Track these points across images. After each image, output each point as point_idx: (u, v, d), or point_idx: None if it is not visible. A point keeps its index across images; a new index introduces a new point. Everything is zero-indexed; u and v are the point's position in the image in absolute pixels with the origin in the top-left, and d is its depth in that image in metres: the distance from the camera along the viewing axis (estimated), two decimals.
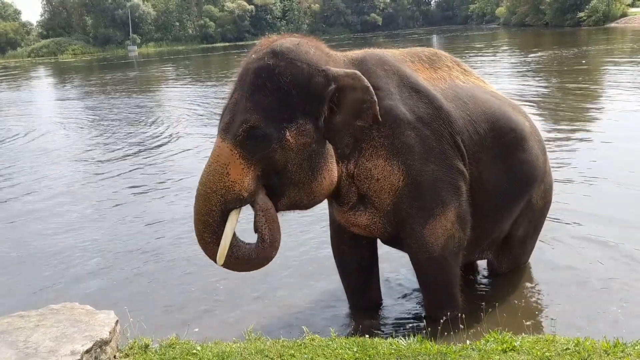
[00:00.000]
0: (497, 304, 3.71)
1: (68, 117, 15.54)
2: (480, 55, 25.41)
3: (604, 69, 17.86)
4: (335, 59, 3.31)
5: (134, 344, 3.16)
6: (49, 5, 70.73)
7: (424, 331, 3.34)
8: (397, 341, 3.14)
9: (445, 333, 3.33)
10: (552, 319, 3.72)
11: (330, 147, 3.19)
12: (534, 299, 4.15)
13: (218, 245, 3.10)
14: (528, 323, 3.58)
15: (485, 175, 3.62)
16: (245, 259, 3.17)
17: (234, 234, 3.16)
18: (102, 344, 2.87)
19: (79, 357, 2.70)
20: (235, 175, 3.05)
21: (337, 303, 4.23)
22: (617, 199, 6.04)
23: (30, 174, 9.14)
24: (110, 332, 2.95)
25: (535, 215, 4.14)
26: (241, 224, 3.19)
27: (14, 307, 3.93)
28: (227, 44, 65.46)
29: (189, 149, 10.24)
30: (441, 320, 3.33)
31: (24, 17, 75.90)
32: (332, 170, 3.22)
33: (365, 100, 3.10)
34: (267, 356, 2.99)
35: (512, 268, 4.32)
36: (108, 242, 5.89)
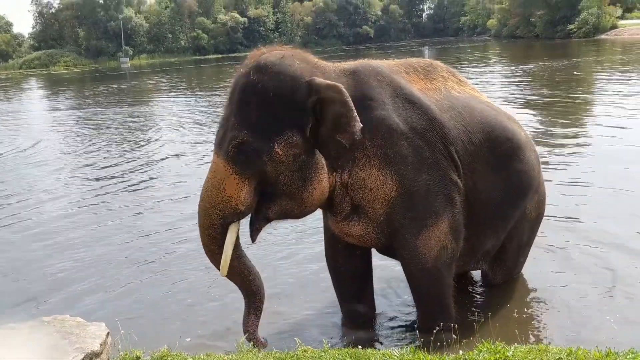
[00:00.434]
0: (489, 314, 3.71)
1: (59, 129, 15.50)
2: (472, 67, 25.56)
3: (595, 80, 18.01)
4: (325, 70, 3.32)
5: (125, 356, 3.14)
6: (41, 17, 70.61)
7: (417, 342, 3.33)
8: (390, 352, 3.13)
9: (438, 344, 3.32)
10: (544, 328, 3.73)
11: (320, 157, 3.22)
12: (526, 309, 4.15)
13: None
14: (520, 333, 3.58)
15: (480, 185, 3.63)
16: None
17: (238, 245, 3.30)
18: (93, 356, 2.85)
19: None
20: (230, 190, 3.14)
21: (330, 314, 4.22)
22: (610, 207, 6.06)
23: (21, 185, 9.10)
24: (101, 344, 2.94)
25: (529, 226, 4.14)
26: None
27: (4, 319, 3.89)
28: (220, 55, 65.56)
29: (182, 160, 10.24)
30: (434, 331, 3.32)
31: (15, 29, 75.49)
32: (323, 181, 3.24)
33: (342, 114, 3.11)
34: None
35: (506, 279, 4.32)
36: (99, 254, 5.85)
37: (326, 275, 4.10)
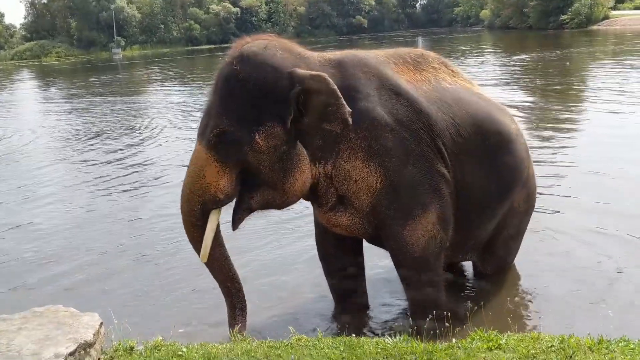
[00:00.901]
0: (482, 302, 3.73)
1: (51, 119, 15.40)
2: (466, 58, 25.55)
3: (587, 70, 18.05)
4: (309, 61, 3.31)
5: (119, 346, 3.13)
6: (33, 8, 70.00)
7: (410, 330, 3.34)
8: (384, 340, 3.14)
9: (432, 332, 3.33)
10: (537, 317, 3.75)
11: (302, 149, 3.23)
12: (519, 298, 4.17)
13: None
14: (513, 321, 3.59)
15: (469, 177, 3.62)
16: None
17: (220, 235, 3.36)
18: (86, 346, 2.84)
19: None
20: (210, 178, 3.19)
21: (323, 303, 4.22)
22: (603, 197, 6.08)
23: (13, 176, 9.05)
24: (94, 335, 2.92)
25: (518, 218, 4.13)
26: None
27: None
28: (212, 46, 65.18)
29: (176, 150, 10.19)
30: (427, 319, 3.34)
31: (7, 20, 74.84)
32: (305, 172, 3.25)
33: (330, 104, 3.11)
34: (253, 357, 2.97)
35: (497, 270, 4.32)
36: (92, 244, 5.84)
37: (320, 266, 4.10)
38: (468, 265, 4.55)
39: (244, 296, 3.58)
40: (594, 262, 4.60)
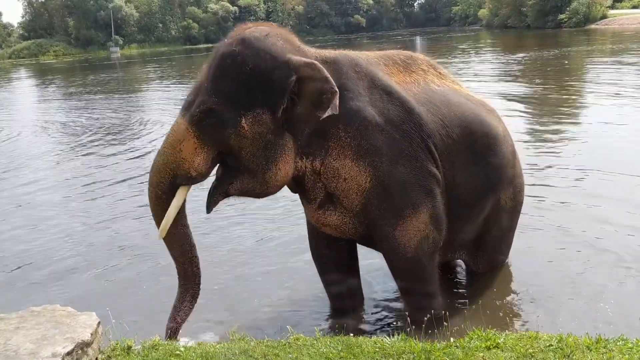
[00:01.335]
0: (480, 301, 3.73)
1: (48, 118, 15.36)
2: (464, 57, 25.55)
3: (585, 69, 18.06)
4: (307, 55, 3.30)
5: (117, 345, 3.13)
6: (30, 7, 69.97)
7: (408, 329, 3.34)
8: (382, 339, 3.14)
9: (429, 331, 3.33)
10: (535, 316, 3.74)
11: (289, 140, 3.20)
12: (517, 297, 4.17)
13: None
14: (511, 321, 3.60)
15: (458, 178, 3.62)
16: None
17: (184, 215, 3.30)
18: (83, 345, 2.83)
19: (60, 359, 2.67)
20: (186, 153, 3.15)
21: (321, 302, 4.22)
22: (601, 191, 6.09)
23: (9, 176, 9.03)
24: (92, 334, 2.91)
25: (506, 216, 4.12)
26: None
27: None
28: (210, 45, 65.06)
29: None
30: (424, 319, 3.33)
31: (4, 19, 74.88)
32: (288, 163, 3.23)
33: (325, 91, 3.10)
34: (251, 356, 2.97)
35: (489, 268, 4.30)
36: (89, 243, 5.83)
37: None
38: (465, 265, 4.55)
39: (199, 282, 3.51)
40: (592, 260, 4.60)
